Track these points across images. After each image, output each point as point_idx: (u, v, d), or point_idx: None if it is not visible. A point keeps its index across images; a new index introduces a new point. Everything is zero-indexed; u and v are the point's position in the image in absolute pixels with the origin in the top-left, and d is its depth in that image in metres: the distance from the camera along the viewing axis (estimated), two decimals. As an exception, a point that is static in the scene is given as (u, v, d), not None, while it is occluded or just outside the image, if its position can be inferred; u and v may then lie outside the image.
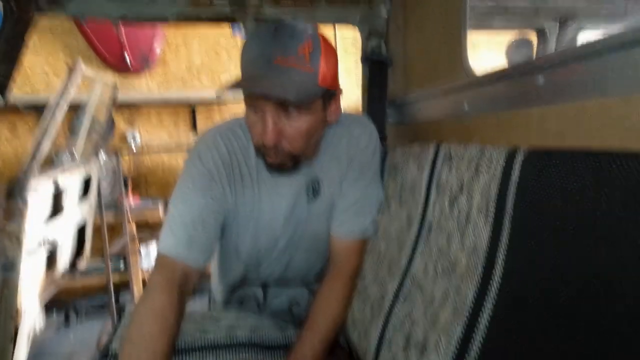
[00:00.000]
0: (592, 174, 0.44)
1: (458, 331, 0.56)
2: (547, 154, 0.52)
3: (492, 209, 0.58)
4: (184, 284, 0.78)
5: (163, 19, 1.01)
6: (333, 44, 0.81)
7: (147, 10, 0.99)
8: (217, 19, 1.06)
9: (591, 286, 0.40)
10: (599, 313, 0.39)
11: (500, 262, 0.54)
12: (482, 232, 0.59)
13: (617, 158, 0.42)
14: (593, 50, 0.55)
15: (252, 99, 0.74)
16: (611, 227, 0.40)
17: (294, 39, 0.71)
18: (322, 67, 0.74)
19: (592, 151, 0.46)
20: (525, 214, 0.52)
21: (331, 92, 0.80)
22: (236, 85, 0.71)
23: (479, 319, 0.55)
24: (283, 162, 0.80)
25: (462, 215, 0.64)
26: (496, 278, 0.54)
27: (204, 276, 0.98)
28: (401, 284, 0.76)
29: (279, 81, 0.70)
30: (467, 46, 0.87)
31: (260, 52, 0.71)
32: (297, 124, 0.75)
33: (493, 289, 0.54)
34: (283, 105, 0.73)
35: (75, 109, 2.60)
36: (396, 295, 0.76)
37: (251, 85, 0.71)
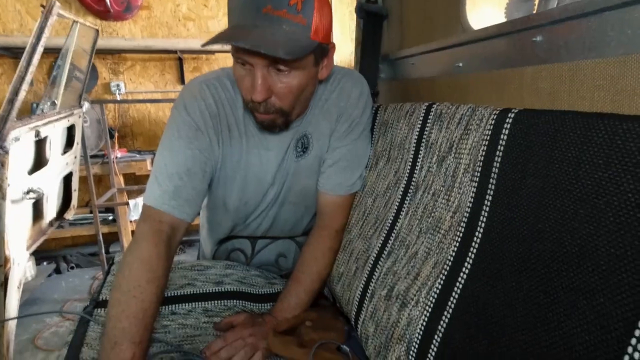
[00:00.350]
0: (578, 134, 0.44)
1: (437, 284, 0.59)
2: (536, 114, 0.51)
3: (478, 169, 0.58)
4: (171, 234, 0.79)
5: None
6: None
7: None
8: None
9: (565, 243, 0.42)
10: (570, 269, 0.41)
11: (482, 220, 0.55)
12: (467, 192, 0.60)
13: (603, 118, 0.42)
14: (593, 7, 0.53)
15: (240, 52, 0.69)
16: (591, 187, 0.40)
17: None
18: (316, 19, 0.69)
19: (579, 112, 0.46)
20: (511, 173, 0.53)
21: (324, 47, 0.76)
22: (222, 37, 0.66)
23: (459, 274, 0.57)
24: (273, 119, 0.78)
25: (448, 174, 0.65)
26: (477, 235, 0.56)
27: (193, 229, 0.99)
28: (386, 240, 0.78)
29: (270, 33, 0.65)
30: (465, 1, 0.83)
31: (248, 0, 0.66)
32: (287, 80, 0.72)
33: (473, 245, 0.55)
34: (271, 62, 0.69)
35: (55, 55, 2.48)
36: (380, 250, 0.78)
37: (238, 38, 0.65)
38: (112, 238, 2.98)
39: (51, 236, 2.12)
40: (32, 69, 1.10)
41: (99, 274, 2.74)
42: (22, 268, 1.40)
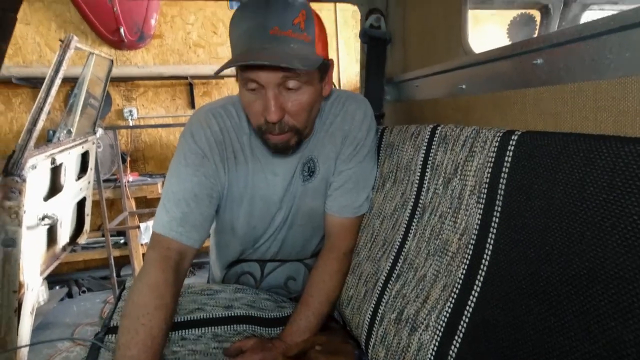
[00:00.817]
0: (581, 156, 0.44)
1: (447, 307, 0.58)
2: (539, 136, 0.52)
3: (484, 191, 0.58)
4: (180, 261, 0.80)
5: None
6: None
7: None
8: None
9: (573, 266, 0.42)
10: (580, 292, 0.40)
11: (490, 242, 0.55)
12: (474, 214, 0.60)
13: (607, 141, 0.42)
14: (591, 30, 0.54)
15: (249, 76, 0.71)
16: (596, 210, 0.40)
17: (288, 8, 0.69)
18: (317, 36, 0.73)
19: (583, 134, 0.47)
20: (516, 195, 0.53)
21: (326, 62, 0.79)
22: (236, 60, 0.68)
23: (469, 297, 0.56)
24: (288, 139, 0.79)
25: (455, 196, 0.65)
26: (486, 258, 0.55)
27: (202, 251, 1.00)
28: (394, 263, 0.78)
29: (281, 50, 0.67)
30: (466, 24, 0.85)
31: (254, 24, 0.68)
32: (298, 97, 0.74)
33: (482, 268, 0.55)
34: (283, 79, 0.71)
35: (71, 84, 2.57)
36: (389, 273, 0.78)
37: (251, 58, 0.67)
38: (124, 261, 3.00)
39: (63, 260, 2.15)
40: (50, 99, 1.15)
41: (110, 298, 2.75)
42: (35, 293, 1.42)
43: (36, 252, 1.45)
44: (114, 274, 2.54)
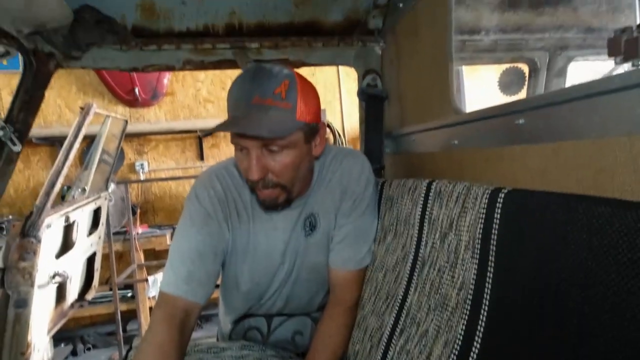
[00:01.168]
0: (562, 215, 0.47)
1: (449, 365, 0.59)
2: (523, 194, 0.55)
3: (477, 246, 0.61)
4: (185, 318, 0.82)
5: (170, 68, 1.09)
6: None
7: (154, 61, 1.06)
8: (220, 63, 1.13)
9: (566, 325, 0.43)
10: (573, 351, 0.41)
11: (486, 297, 0.57)
12: (469, 268, 0.62)
13: (583, 201, 0.45)
14: (565, 97, 0.59)
15: (236, 138, 0.79)
16: (579, 269, 0.43)
17: (271, 79, 0.76)
18: (300, 103, 0.78)
19: (564, 193, 0.50)
20: (507, 251, 0.55)
21: (312, 126, 0.83)
22: (219, 126, 0.76)
23: (470, 354, 0.57)
24: (275, 195, 0.83)
25: (451, 251, 0.68)
26: (483, 314, 0.57)
27: (211, 304, 1.01)
28: (398, 317, 0.78)
29: (257, 119, 0.74)
30: (453, 85, 0.92)
31: (240, 95, 0.77)
32: (280, 158, 0.79)
33: (480, 324, 0.56)
34: (264, 142, 0.77)
35: (87, 141, 2.70)
36: (393, 328, 0.78)
37: (230, 126, 0.76)
38: (131, 315, 2.97)
39: (70, 316, 2.14)
40: (68, 162, 1.23)
41: (115, 354, 2.69)
42: (41, 354, 1.41)
43: (45, 310, 1.46)
44: (121, 330, 2.50)
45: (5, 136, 0.90)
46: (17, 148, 0.92)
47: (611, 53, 0.49)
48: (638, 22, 0.46)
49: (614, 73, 0.57)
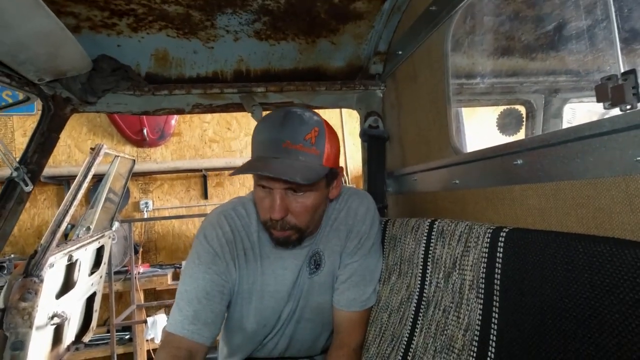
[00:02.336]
0: (563, 254, 0.48)
1: (457, 412, 0.57)
2: (524, 234, 0.56)
3: (482, 286, 0.61)
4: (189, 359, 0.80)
5: (179, 111, 1.14)
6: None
7: (165, 105, 1.11)
8: (227, 106, 1.18)
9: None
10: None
11: (492, 338, 0.56)
12: (475, 309, 0.61)
13: (582, 240, 0.46)
14: (559, 138, 0.61)
15: (262, 179, 0.80)
16: (583, 307, 0.43)
17: (302, 126, 0.78)
18: (327, 149, 0.81)
19: (563, 232, 0.51)
20: (511, 291, 0.55)
21: (334, 171, 0.86)
22: (249, 167, 0.78)
23: (478, 399, 0.55)
24: (288, 235, 0.84)
25: (456, 290, 0.67)
26: (490, 356, 0.55)
27: (212, 348, 0.98)
28: (403, 360, 0.76)
29: (288, 163, 0.75)
30: (452, 125, 0.95)
31: (270, 137, 0.79)
32: (302, 201, 0.81)
33: (488, 367, 0.55)
34: (292, 186, 0.79)
35: (93, 180, 2.74)
36: (399, 372, 0.76)
37: (263, 168, 0.76)
38: (127, 359, 2.86)
39: (66, 360, 2.07)
40: (76, 202, 1.25)
41: (109, 403, 2.57)
42: (34, 399, 1.35)
43: (40, 353, 1.42)
44: (116, 375, 2.41)
45: (19, 177, 0.93)
46: (29, 188, 0.94)
47: (599, 99, 0.52)
48: (622, 70, 0.49)
49: (608, 115, 0.60)
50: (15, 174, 0.91)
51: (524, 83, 1.49)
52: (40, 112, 0.98)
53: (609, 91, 0.49)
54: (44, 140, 0.94)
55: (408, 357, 0.76)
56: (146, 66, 1.10)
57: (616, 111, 0.57)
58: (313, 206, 0.83)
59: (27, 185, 0.93)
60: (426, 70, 1.06)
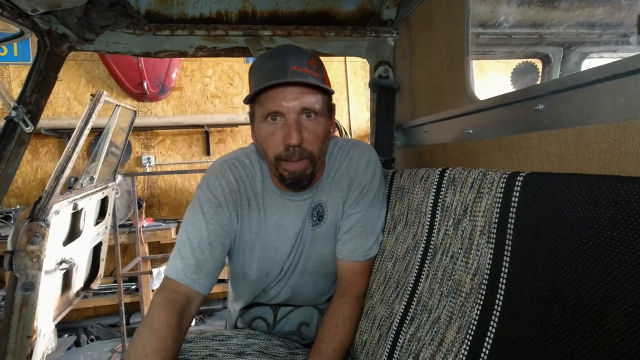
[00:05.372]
0: (584, 195, 0.46)
1: (463, 350, 0.57)
2: (544, 177, 0.54)
3: (493, 231, 0.59)
4: (186, 305, 0.81)
5: (182, 54, 1.09)
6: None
7: (167, 46, 1.06)
8: (232, 50, 1.13)
9: (585, 303, 0.42)
10: (593, 330, 0.40)
11: (502, 282, 0.56)
12: (485, 254, 0.60)
13: (607, 180, 0.44)
14: (587, 79, 0.58)
15: (275, 105, 0.79)
16: (602, 247, 0.41)
17: (303, 54, 0.82)
18: (325, 74, 0.85)
19: (585, 174, 0.48)
20: (525, 235, 0.54)
21: (332, 103, 0.89)
22: (263, 84, 0.77)
23: (485, 339, 0.56)
24: (303, 167, 0.83)
25: (465, 237, 0.66)
26: (499, 298, 0.55)
27: (214, 300, 1.00)
28: (408, 305, 0.77)
29: (302, 77, 0.77)
30: (469, 73, 0.91)
31: (277, 64, 0.79)
32: (314, 126, 0.82)
33: (496, 308, 0.55)
34: (305, 104, 0.79)
35: (95, 133, 2.71)
36: (403, 316, 0.77)
37: (280, 78, 0.77)
38: (134, 308, 2.97)
39: (74, 307, 2.15)
40: (78, 149, 1.23)
41: (118, 347, 2.69)
42: (46, 340, 1.41)
43: (51, 297, 1.46)
44: (124, 322, 2.51)
45: (18, 117, 0.90)
46: (29, 129, 0.92)
47: None
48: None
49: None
50: (14, 113, 0.88)
51: (544, 35, 1.41)
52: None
53: (652, 20, 0.45)
54: (41, 80, 0.91)
55: (413, 302, 0.76)
56: (146, 3, 1.03)
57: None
58: (323, 133, 0.84)
59: (27, 125, 0.91)
60: (444, 14, 1.00)
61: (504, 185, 0.61)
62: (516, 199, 0.57)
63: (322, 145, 0.85)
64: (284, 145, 0.81)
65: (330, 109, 0.88)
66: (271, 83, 0.76)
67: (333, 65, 3.54)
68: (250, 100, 0.82)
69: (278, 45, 0.84)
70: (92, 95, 1.35)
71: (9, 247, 1.11)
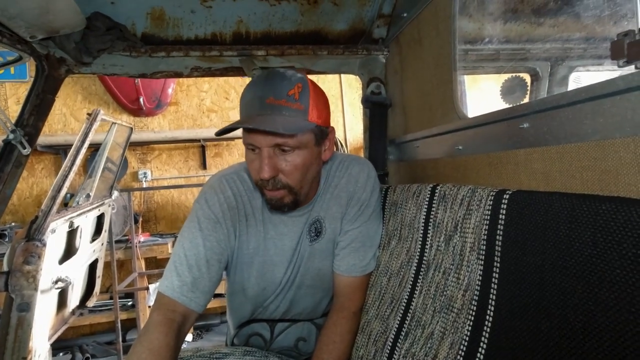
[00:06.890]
0: (566, 214, 0.48)
1: (456, 367, 0.58)
2: (529, 195, 0.56)
3: (483, 247, 0.61)
4: (183, 324, 0.81)
5: (178, 74, 1.11)
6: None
7: (163, 67, 1.08)
8: (227, 70, 1.15)
9: (569, 319, 0.43)
10: (579, 347, 0.41)
11: (492, 297, 0.57)
12: (475, 270, 0.62)
13: (587, 199, 0.46)
14: (568, 100, 0.60)
15: (249, 138, 0.80)
16: (583, 265, 0.43)
17: (284, 81, 0.78)
18: (311, 105, 0.80)
19: (567, 193, 0.50)
20: (513, 251, 0.56)
21: (323, 130, 0.86)
22: (232, 124, 0.77)
23: (476, 354, 0.57)
24: (281, 196, 0.84)
25: (456, 253, 0.68)
26: (489, 313, 0.57)
27: (211, 314, 1.00)
28: (402, 320, 0.78)
29: (270, 118, 0.76)
30: (457, 90, 0.93)
31: (254, 95, 0.78)
32: (291, 159, 0.80)
33: (487, 324, 0.56)
34: (277, 142, 0.78)
35: (91, 149, 2.71)
36: (398, 331, 0.78)
37: (245, 122, 0.77)
38: (130, 325, 2.95)
39: (70, 325, 2.13)
40: (75, 168, 1.24)
41: (114, 364, 2.66)
42: (42, 359, 1.40)
43: (46, 316, 1.45)
44: (120, 339, 2.48)
45: (16, 139, 0.91)
46: (27, 151, 0.93)
47: (614, 56, 0.50)
48: (640, 26, 0.47)
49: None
50: (12, 136, 0.90)
51: (531, 49, 1.45)
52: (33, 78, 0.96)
53: (625, 47, 0.47)
54: (39, 102, 0.92)
55: (407, 318, 0.77)
56: (142, 26, 1.05)
57: (630, 70, 0.55)
58: (304, 165, 0.82)
59: (24, 148, 0.92)
60: (432, 32, 1.03)
61: (491, 202, 0.62)
62: (503, 216, 0.59)
63: (303, 176, 0.83)
64: (259, 174, 0.81)
65: (320, 135, 0.85)
66: (238, 126, 0.76)
67: (328, 78, 3.58)
68: (222, 133, 0.81)
69: (267, 70, 0.83)
70: (89, 114, 1.36)
71: (5, 268, 1.11)
